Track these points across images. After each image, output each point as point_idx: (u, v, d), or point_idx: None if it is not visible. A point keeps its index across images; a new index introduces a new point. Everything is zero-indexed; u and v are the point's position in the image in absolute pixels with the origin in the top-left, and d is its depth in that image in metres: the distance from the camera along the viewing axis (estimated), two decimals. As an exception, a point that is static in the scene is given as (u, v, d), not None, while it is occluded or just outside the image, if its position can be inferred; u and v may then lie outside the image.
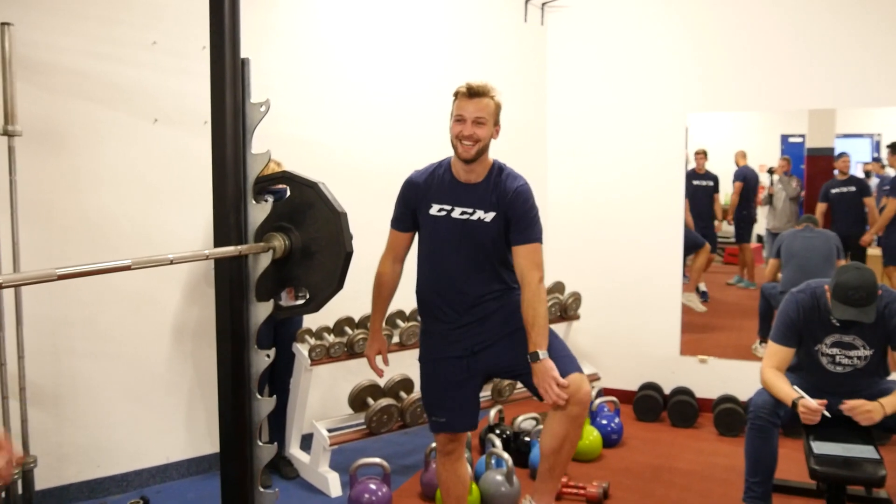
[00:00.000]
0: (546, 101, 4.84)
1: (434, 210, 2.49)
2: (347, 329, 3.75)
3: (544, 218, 2.58)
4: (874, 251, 5.85)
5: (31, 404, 3.07)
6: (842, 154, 5.85)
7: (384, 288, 2.66)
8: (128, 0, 3.28)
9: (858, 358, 2.92)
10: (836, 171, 5.59)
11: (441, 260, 2.51)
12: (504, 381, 3.91)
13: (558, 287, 4.51)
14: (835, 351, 2.94)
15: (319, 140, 3.93)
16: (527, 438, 3.68)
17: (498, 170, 2.51)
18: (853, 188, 5.51)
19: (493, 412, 3.80)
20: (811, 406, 2.73)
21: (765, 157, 5.80)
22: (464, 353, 2.52)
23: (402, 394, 3.65)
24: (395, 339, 3.75)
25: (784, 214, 5.66)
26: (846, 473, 2.70)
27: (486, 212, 2.45)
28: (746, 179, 5.69)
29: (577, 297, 4.48)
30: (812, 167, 5.46)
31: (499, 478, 3.23)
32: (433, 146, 4.47)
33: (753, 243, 5.92)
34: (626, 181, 4.67)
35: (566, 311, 4.44)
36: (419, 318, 2.68)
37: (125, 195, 3.33)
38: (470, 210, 2.46)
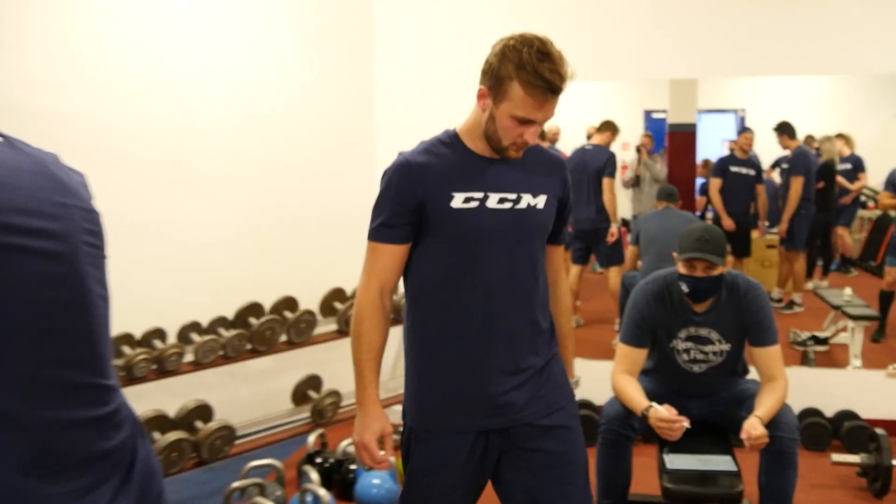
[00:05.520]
0: (373, 66, 4.05)
1: (458, 202, 1.67)
2: (158, 343, 3.12)
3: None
4: (765, 238, 5.64)
5: None
6: (745, 129, 5.55)
7: (375, 335, 1.70)
8: None
9: (714, 353, 2.53)
10: (731, 148, 5.33)
11: (472, 276, 1.68)
12: (326, 400, 3.31)
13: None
14: (689, 345, 2.54)
15: (83, 114, 3.16)
16: (353, 466, 3.08)
17: None
18: (752, 171, 5.23)
19: (312, 437, 3.20)
20: (666, 417, 2.28)
21: (627, 134, 5.40)
22: (489, 427, 1.72)
23: (198, 423, 3.00)
24: (189, 357, 3.09)
25: (650, 198, 5.27)
26: (701, 490, 2.36)
27: (534, 195, 1.73)
28: None
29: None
30: (674, 144, 5.04)
31: (310, 521, 2.64)
32: (243, 125, 3.82)
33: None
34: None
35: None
36: (412, 364, 1.78)
37: None
38: (513, 196, 1.71)
